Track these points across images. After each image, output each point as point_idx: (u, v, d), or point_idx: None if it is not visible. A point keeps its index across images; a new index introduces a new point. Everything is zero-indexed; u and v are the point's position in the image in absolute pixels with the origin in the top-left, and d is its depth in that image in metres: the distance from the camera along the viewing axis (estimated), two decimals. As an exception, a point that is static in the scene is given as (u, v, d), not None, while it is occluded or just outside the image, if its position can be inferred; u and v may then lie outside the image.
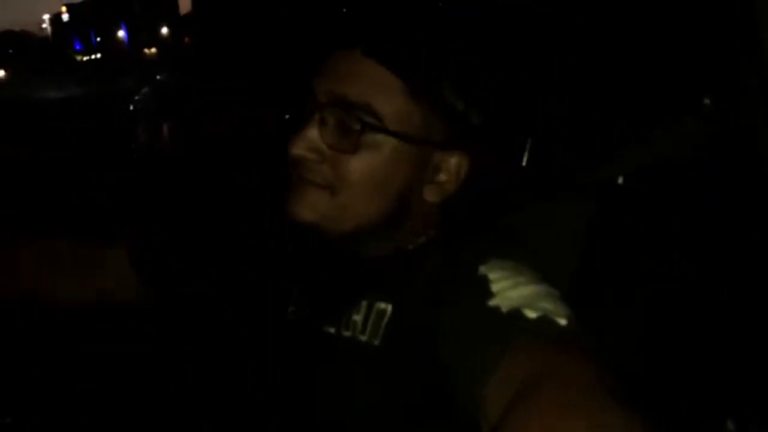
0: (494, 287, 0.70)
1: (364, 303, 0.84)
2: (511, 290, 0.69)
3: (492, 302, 0.68)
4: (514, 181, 1.02)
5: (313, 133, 0.79)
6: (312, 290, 0.93)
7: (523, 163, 1.04)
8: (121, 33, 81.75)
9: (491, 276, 0.72)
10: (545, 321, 0.65)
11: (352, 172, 0.79)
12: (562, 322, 0.64)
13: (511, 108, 0.87)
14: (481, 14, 0.95)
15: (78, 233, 1.09)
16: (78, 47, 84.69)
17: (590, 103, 1.23)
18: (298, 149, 0.79)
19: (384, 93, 0.78)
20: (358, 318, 0.84)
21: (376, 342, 0.81)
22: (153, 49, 71.11)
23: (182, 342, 1.43)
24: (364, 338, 0.82)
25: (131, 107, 2.37)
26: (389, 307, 0.82)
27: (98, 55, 79.59)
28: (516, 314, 0.66)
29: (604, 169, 1.08)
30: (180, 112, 1.75)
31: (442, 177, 0.82)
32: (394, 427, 0.79)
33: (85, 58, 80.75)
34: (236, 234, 1.03)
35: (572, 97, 1.23)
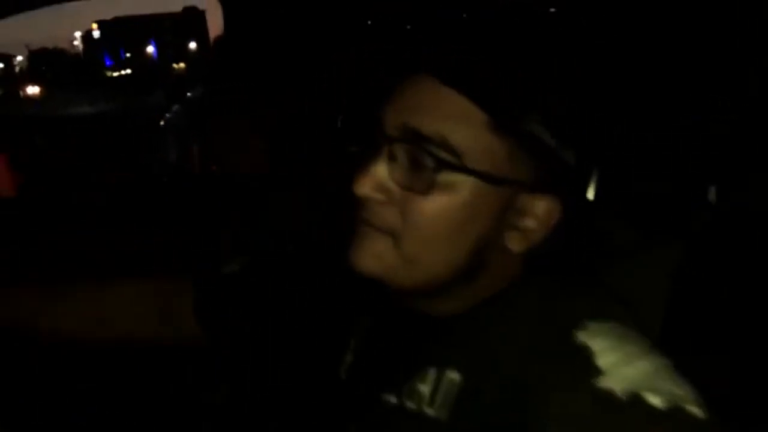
0: (601, 361, 0.60)
1: (432, 370, 0.73)
2: (623, 366, 0.59)
3: (602, 383, 0.58)
4: (604, 225, 0.92)
5: (381, 170, 0.69)
6: (371, 347, 0.84)
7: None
8: (150, 49, 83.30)
9: (594, 346, 0.62)
10: (677, 412, 0.55)
11: (424, 217, 0.68)
12: (696, 412, 0.55)
13: (608, 145, 0.76)
14: (562, 41, 0.85)
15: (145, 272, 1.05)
16: (108, 63, 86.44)
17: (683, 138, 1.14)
18: (364, 188, 0.69)
19: (463, 126, 0.66)
20: (425, 388, 0.73)
21: (444, 418, 0.71)
22: (182, 64, 72.26)
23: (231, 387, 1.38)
24: (431, 412, 0.72)
25: (162, 123, 2.35)
26: (461, 377, 0.71)
27: (128, 71, 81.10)
28: (637, 401, 0.56)
29: (695, 212, 1.00)
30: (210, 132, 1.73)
31: (529, 223, 0.70)
32: None
33: (115, 74, 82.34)
34: (294, 279, 0.95)
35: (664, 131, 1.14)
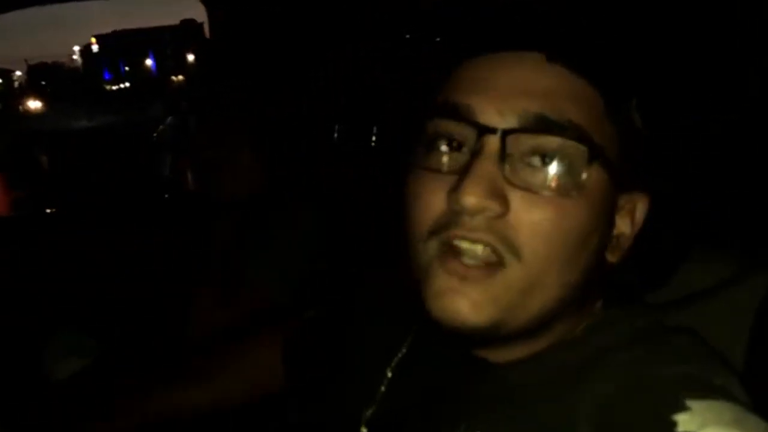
0: None
1: (463, 426, 0.60)
2: None
3: None
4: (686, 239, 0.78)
5: (492, 170, 0.53)
6: (399, 392, 0.70)
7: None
8: (148, 62, 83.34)
9: None
10: None
11: (554, 228, 0.53)
12: None
13: (694, 134, 0.67)
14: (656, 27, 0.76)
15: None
16: (107, 77, 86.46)
17: None
18: (476, 196, 0.52)
19: (585, 111, 0.54)
20: None
21: None
22: (180, 77, 72.27)
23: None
24: None
25: (154, 135, 2.33)
26: None
27: (127, 84, 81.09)
28: None
29: None
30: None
31: (625, 227, 0.60)
32: None
33: (114, 87, 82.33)
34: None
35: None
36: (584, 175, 0.54)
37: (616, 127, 0.56)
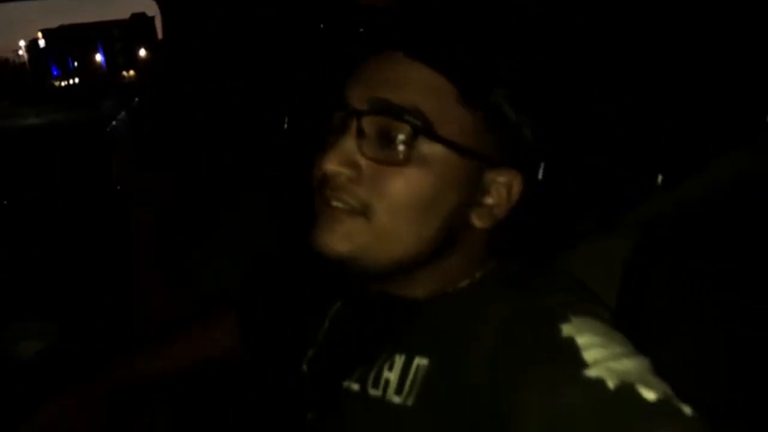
0: (588, 356, 0.56)
1: (399, 357, 0.71)
2: (612, 361, 0.55)
3: (592, 374, 0.54)
4: (563, 208, 0.92)
5: (349, 145, 0.67)
6: (335, 335, 0.82)
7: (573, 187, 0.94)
8: (98, 57, 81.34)
9: (580, 340, 0.58)
10: (669, 407, 0.51)
11: (397, 191, 0.67)
12: (687, 410, 0.51)
13: (567, 123, 0.79)
14: (528, 16, 0.87)
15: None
16: (55, 73, 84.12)
17: (649, 123, 1.12)
18: (332, 164, 0.67)
19: (433, 98, 0.66)
20: (391, 375, 0.70)
21: (411, 404, 0.68)
22: (131, 72, 70.75)
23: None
24: (398, 400, 0.69)
25: (107, 131, 2.35)
26: (430, 363, 0.68)
27: (76, 80, 79.08)
28: (630, 393, 0.52)
29: (647, 203, 0.97)
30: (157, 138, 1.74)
31: (491, 199, 0.71)
32: None
33: (63, 84, 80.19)
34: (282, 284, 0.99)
35: (633, 115, 1.12)
36: (424, 149, 0.66)
37: (472, 112, 0.68)
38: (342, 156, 0.67)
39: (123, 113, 2.10)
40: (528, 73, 0.71)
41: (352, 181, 0.68)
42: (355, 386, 0.74)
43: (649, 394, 0.51)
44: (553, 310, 0.62)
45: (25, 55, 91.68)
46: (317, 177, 0.70)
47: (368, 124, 0.67)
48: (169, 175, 1.73)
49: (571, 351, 0.57)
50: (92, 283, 2.09)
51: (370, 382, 0.72)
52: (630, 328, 0.64)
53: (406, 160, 0.66)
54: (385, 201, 0.67)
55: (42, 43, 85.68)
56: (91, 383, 0.98)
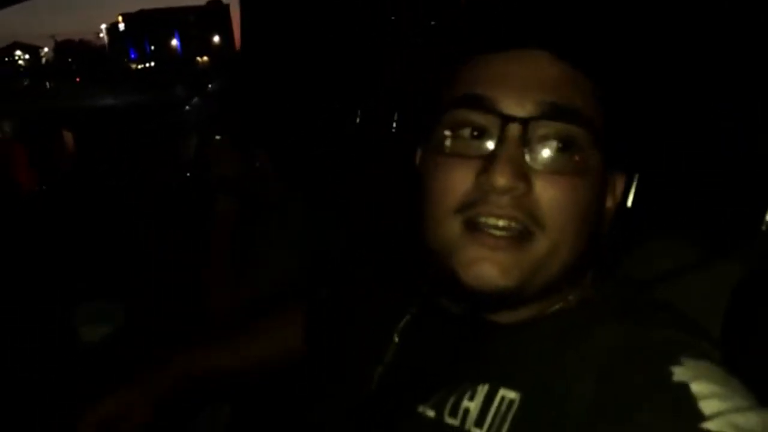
0: (705, 407, 0.51)
1: (482, 386, 0.64)
2: (732, 415, 0.50)
3: (710, 426, 0.49)
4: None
5: (518, 154, 0.60)
6: (408, 354, 0.76)
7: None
8: (174, 42, 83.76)
9: (696, 388, 0.52)
10: None
11: (571, 203, 0.61)
12: None
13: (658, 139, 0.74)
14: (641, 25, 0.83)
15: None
16: (133, 56, 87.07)
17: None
18: (506, 177, 0.59)
19: (588, 100, 0.62)
20: (472, 405, 0.64)
21: None
22: (205, 58, 72.56)
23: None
24: None
25: (181, 116, 2.37)
26: (519, 397, 0.62)
27: (152, 64, 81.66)
28: None
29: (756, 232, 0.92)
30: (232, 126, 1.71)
31: (609, 203, 0.67)
32: None
33: (139, 67, 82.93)
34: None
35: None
36: (590, 156, 0.61)
37: (604, 112, 0.63)
38: (515, 167, 0.60)
39: (197, 99, 2.11)
40: (637, 76, 0.68)
41: (523, 195, 0.60)
42: (431, 412, 0.67)
43: None
44: (663, 350, 0.57)
45: (106, 38, 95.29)
46: (457, 195, 0.62)
47: (533, 130, 0.61)
48: (264, 153, 1.70)
49: (686, 399, 0.52)
50: (163, 268, 2.11)
51: (447, 410, 0.66)
52: (737, 364, 0.58)
53: (585, 170, 0.61)
54: (559, 216, 0.61)
55: (122, 26, 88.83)
56: (153, 375, 0.97)
